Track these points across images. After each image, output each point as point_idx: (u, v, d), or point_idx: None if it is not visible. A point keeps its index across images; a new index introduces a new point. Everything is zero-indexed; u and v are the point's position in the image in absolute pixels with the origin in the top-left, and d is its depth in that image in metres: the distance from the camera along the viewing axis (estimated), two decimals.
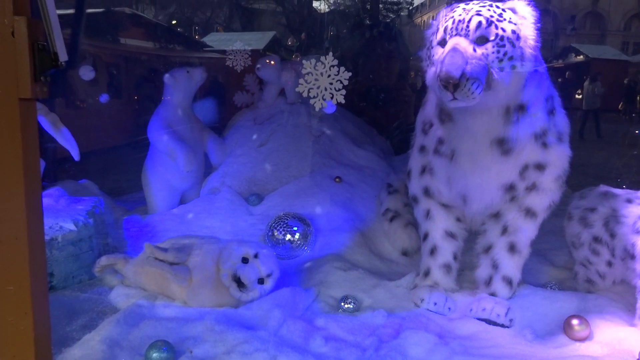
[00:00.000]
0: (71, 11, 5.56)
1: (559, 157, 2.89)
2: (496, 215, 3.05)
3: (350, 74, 2.79)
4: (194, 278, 2.78)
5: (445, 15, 2.58)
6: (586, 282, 3.19)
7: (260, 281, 2.78)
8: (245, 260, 2.77)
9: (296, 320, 2.67)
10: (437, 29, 2.58)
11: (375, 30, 7.61)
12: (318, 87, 2.78)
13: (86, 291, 3.09)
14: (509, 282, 3.01)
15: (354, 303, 2.92)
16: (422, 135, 3.14)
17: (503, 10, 2.53)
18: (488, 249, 3.07)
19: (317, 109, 2.80)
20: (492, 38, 2.44)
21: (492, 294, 2.99)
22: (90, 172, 4.87)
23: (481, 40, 2.44)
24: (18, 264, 1.54)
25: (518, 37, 2.49)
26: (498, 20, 2.46)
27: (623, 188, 3.18)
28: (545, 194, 2.93)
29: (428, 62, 2.65)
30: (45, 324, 1.67)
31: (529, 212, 2.97)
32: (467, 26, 2.44)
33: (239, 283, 2.74)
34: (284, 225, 3.66)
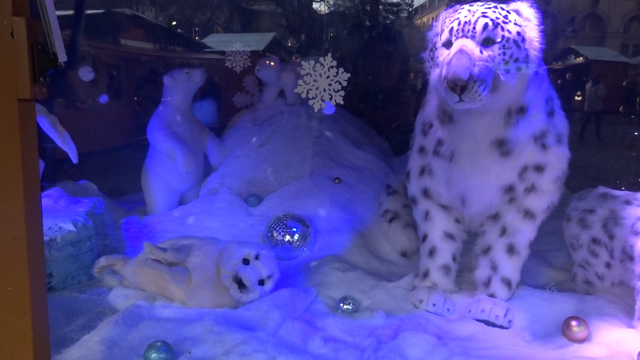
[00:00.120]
0: (71, 12, 5.56)
1: (558, 159, 2.89)
2: (495, 217, 3.05)
3: (349, 75, 2.80)
4: (193, 279, 2.78)
5: (449, 17, 2.58)
6: (585, 283, 3.19)
7: (261, 282, 2.78)
8: (246, 262, 2.78)
9: (295, 321, 2.67)
10: (441, 31, 2.57)
11: (374, 31, 7.61)
12: (317, 88, 2.78)
13: (85, 292, 3.09)
14: (507, 283, 3.01)
15: (352, 304, 2.92)
16: (421, 136, 3.14)
17: (508, 12, 2.53)
18: (487, 250, 3.07)
19: (316, 110, 2.81)
20: (498, 40, 2.44)
21: (491, 295, 3.00)
22: (90, 172, 4.87)
23: (487, 42, 2.44)
24: (17, 265, 1.54)
25: (523, 39, 2.50)
26: (504, 22, 2.47)
27: (622, 190, 3.19)
28: (544, 195, 2.93)
29: (431, 63, 2.65)
30: (44, 324, 1.67)
31: (528, 214, 2.97)
32: (474, 28, 2.44)
33: (240, 284, 2.74)
34: (283, 226, 3.66)
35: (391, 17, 13.03)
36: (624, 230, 2.90)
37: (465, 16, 2.49)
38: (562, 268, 3.54)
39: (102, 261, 3.13)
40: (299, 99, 5.02)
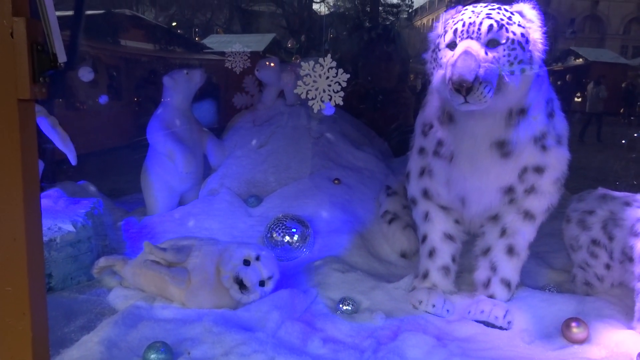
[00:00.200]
0: (71, 13, 5.56)
1: (557, 160, 2.89)
2: (495, 218, 3.05)
3: (348, 75, 2.80)
4: (192, 279, 2.78)
5: (453, 18, 2.57)
6: (584, 284, 3.19)
7: (261, 283, 2.78)
8: (246, 263, 2.77)
9: (294, 321, 2.67)
10: (445, 32, 2.56)
11: (374, 32, 7.61)
12: (316, 89, 2.78)
13: (84, 292, 3.09)
14: (507, 284, 3.01)
15: (352, 305, 2.92)
16: (421, 137, 3.14)
17: (511, 13, 2.53)
18: (486, 252, 3.07)
19: (315, 111, 2.81)
20: (503, 41, 2.44)
21: (491, 296, 3.00)
22: (89, 173, 4.87)
23: (492, 44, 2.44)
24: (16, 265, 1.54)
25: (527, 41, 2.50)
26: (508, 24, 2.46)
27: (621, 191, 3.19)
28: (544, 196, 2.93)
29: (434, 64, 2.64)
30: (43, 325, 1.67)
31: (528, 215, 2.97)
32: (479, 29, 2.43)
33: (241, 285, 2.73)
34: (283, 227, 3.66)
35: (391, 18, 13.03)
36: (623, 231, 2.90)
37: (470, 17, 2.48)
38: (562, 269, 3.54)
39: (102, 262, 3.13)
40: (299, 99, 5.02)
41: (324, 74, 2.78)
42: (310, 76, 2.78)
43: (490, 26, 2.43)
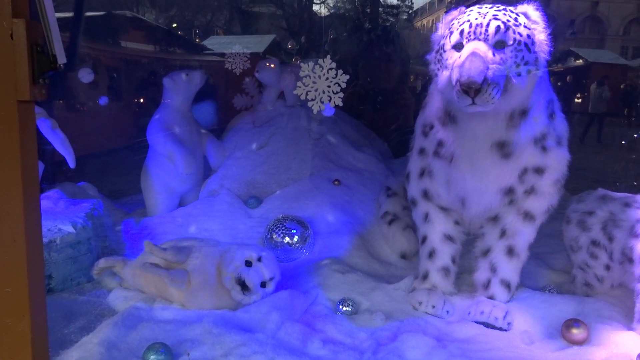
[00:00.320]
0: (70, 14, 5.57)
1: (557, 161, 2.89)
2: (494, 219, 3.05)
3: (348, 76, 2.80)
4: (192, 281, 2.78)
5: (457, 19, 2.56)
6: (584, 285, 3.19)
7: (262, 284, 2.78)
8: (248, 264, 2.78)
9: (294, 323, 2.67)
10: (451, 32, 2.54)
11: (374, 33, 7.61)
12: (316, 90, 2.78)
13: (84, 293, 3.09)
14: (507, 285, 3.01)
15: (352, 306, 2.92)
16: (421, 137, 3.13)
17: (517, 14, 2.52)
18: (486, 252, 3.07)
19: (315, 112, 2.81)
20: (510, 43, 2.43)
21: (491, 297, 2.99)
22: (89, 174, 4.87)
23: (500, 45, 2.43)
24: (16, 266, 1.55)
25: (533, 42, 2.49)
26: (515, 25, 2.46)
27: (621, 192, 3.19)
28: (544, 197, 2.93)
29: (438, 65, 2.62)
30: (42, 326, 1.67)
31: (528, 216, 2.97)
32: (486, 30, 2.42)
33: (243, 286, 2.73)
34: (283, 228, 3.66)
35: (391, 19, 13.04)
36: (623, 232, 2.90)
37: (476, 18, 2.47)
38: (562, 270, 3.53)
39: (102, 263, 3.13)
40: (299, 100, 5.02)
41: (324, 75, 2.78)
42: (310, 77, 2.79)
43: (498, 27, 2.42)
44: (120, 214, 4.55)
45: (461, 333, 2.77)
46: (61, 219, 3.22)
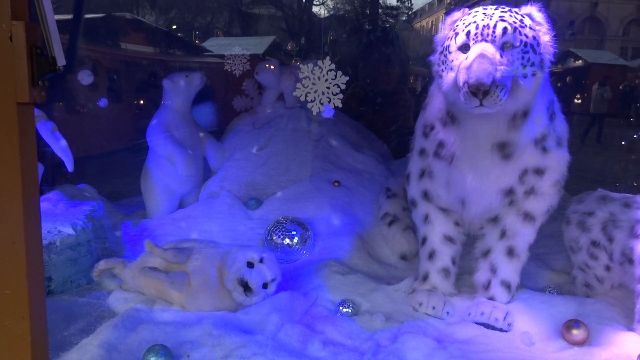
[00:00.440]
0: (70, 16, 5.58)
1: (558, 162, 2.89)
2: (495, 220, 3.05)
3: (347, 78, 2.79)
4: (192, 282, 2.78)
5: (462, 20, 2.55)
6: (584, 286, 3.19)
7: (264, 285, 2.79)
8: (250, 265, 2.78)
9: (294, 324, 2.67)
10: (456, 34, 2.52)
11: (373, 34, 7.63)
12: (315, 91, 2.78)
13: (84, 295, 3.09)
14: (507, 286, 3.00)
15: (352, 307, 2.92)
16: (422, 138, 3.13)
17: (522, 16, 2.52)
18: (486, 253, 3.07)
19: (314, 113, 2.81)
20: (517, 44, 2.42)
21: (491, 298, 2.99)
22: (89, 176, 4.88)
23: (507, 47, 2.42)
24: (15, 268, 1.55)
25: (538, 44, 2.49)
26: (521, 26, 2.45)
27: (621, 192, 3.19)
28: (544, 198, 2.93)
29: (443, 67, 2.60)
30: (42, 327, 1.67)
31: (528, 216, 2.97)
32: (494, 32, 2.41)
33: (245, 287, 2.74)
34: (283, 230, 3.66)
35: (390, 20, 13.05)
36: (623, 233, 2.90)
37: (483, 20, 2.45)
38: (562, 271, 3.53)
39: (102, 264, 3.13)
40: (299, 102, 5.03)
41: (323, 76, 2.78)
42: (309, 79, 2.79)
43: (505, 29, 2.41)
44: (120, 215, 4.55)
45: (461, 334, 2.76)
46: (61, 221, 3.22)
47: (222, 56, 5.45)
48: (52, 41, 1.53)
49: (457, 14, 2.64)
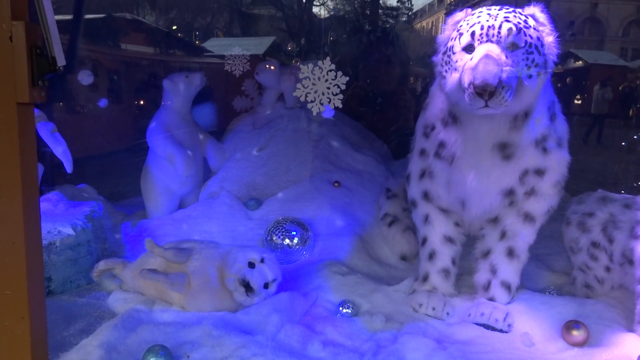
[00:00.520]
0: (70, 16, 5.58)
1: (558, 163, 2.89)
2: (495, 220, 3.05)
3: (347, 78, 2.79)
4: (192, 282, 2.78)
5: (466, 20, 2.54)
6: (584, 287, 3.19)
7: (265, 285, 2.79)
8: (251, 265, 2.78)
9: (294, 325, 2.66)
10: (460, 34, 2.51)
11: (374, 35, 7.63)
12: (315, 92, 2.78)
13: (84, 296, 3.09)
14: (507, 287, 3.00)
15: (352, 308, 2.92)
16: (422, 138, 3.13)
17: (526, 17, 2.52)
18: (486, 254, 3.07)
19: (314, 114, 2.81)
20: (522, 45, 2.42)
21: (491, 299, 2.99)
22: (89, 176, 4.88)
23: (512, 47, 2.42)
24: (15, 268, 1.54)
25: (542, 44, 2.49)
26: (525, 27, 2.45)
27: (621, 193, 3.18)
28: (544, 199, 2.93)
29: (446, 67, 2.59)
30: (42, 328, 1.67)
31: (528, 217, 2.97)
32: (499, 32, 2.40)
33: (247, 287, 2.73)
34: (283, 230, 3.66)
35: (391, 21, 13.06)
36: (623, 233, 2.90)
37: (487, 20, 2.45)
38: (562, 272, 3.53)
39: (101, 265, 3.13)
40: (299, 102, 5.03)
41: (323, 76, 2.78)
42: (310, 79, 2.79)
43: (510, 29, 2.41)
44: (120, 216, 4.55)
45: (461, 335, 2.76)
46: (61, 221, 3.22)
47: (222, 56, 5.45)
48: (52, 41, 1.53)
49: (460, 14, 2.63)
